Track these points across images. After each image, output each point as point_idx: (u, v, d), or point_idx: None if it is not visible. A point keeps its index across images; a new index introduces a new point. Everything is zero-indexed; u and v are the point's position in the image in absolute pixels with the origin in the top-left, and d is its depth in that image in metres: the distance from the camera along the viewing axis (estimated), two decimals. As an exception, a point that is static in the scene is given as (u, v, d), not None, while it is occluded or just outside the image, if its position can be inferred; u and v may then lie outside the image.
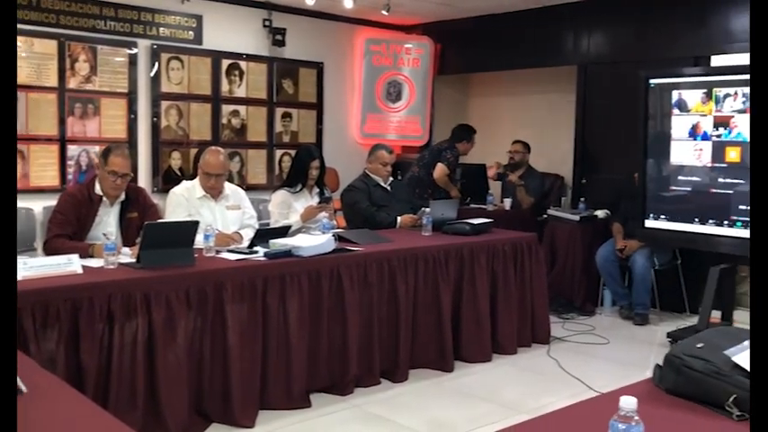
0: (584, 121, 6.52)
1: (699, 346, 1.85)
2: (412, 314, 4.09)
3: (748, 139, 4.67)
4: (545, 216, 6.16)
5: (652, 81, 5.15)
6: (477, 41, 7.24)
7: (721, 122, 4.81)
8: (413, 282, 4.08)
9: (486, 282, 4.45)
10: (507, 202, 6.36)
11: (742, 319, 5.40)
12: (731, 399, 1.67)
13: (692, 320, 5.37)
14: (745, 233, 4.69)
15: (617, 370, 4.29)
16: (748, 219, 4.69)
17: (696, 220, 4.96)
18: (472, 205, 6.34)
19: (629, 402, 1.29)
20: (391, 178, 5.14)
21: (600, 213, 6.04)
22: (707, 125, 4.88)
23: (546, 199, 6.56)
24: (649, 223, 5.23)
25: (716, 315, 5.13)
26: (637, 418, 1.29)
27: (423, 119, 7.68)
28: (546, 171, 6.75)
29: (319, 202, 4.64)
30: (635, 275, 5.52)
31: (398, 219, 4.91)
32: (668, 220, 5.13)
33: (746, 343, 1.85)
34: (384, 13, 6.46)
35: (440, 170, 6.15)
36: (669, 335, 4.94)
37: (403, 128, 7.68)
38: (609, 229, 5.84)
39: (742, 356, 1.76)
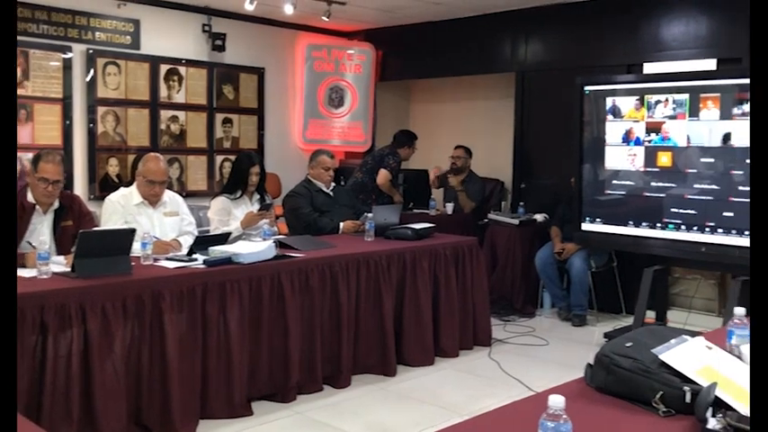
0: (522, 127, 6.65)
1: (628, 345, 1.91)
2: (354, 319, 4.11)
3: (678, 144, 4.83)
4: (486, 220, 6.26)
5: (587, 88, 5.29)
6: (418, 48, 7.31)
7: (653, 128, 4.97)
8: (355, 287, 4.09)
9: (428, 286, 4.49)
10: (449, 207, 6.44)
11: (675, 318, 5.60)
12: (658, 395, 1.73)
13: (628, 321, 5.53)
14: (677, 235, 4.85)
15: (556, 370, 4.38)
16: (680, 221, 4.85)
17: (630, 222, 5.10)
18: (415, 210, 6.40)
19: (557, 401, 1.33)
20: (333, 184, 5.15)
21: (539, 217, 6.16)
22: (639, 131, 5.04)
23: (487, 203, 6.66)
24: (586, 226, 5.36)
25: (651, 315, 5.29)
26: (565, 416, 1.32)
27: (365, 124, 7.71)
28: (487, 176, 6.85)
29: (260, 209, 4.62)
30: (573, 278, 5.66)
31: (341, 224, 4.92)
32: (604, 223, 5.27)
33: (673, 341, 1.93)
34: (325, 19, 6.47)
35: (383, 176, 6.19)
36: (606, 335, 5.08)
37: (346, 133, 7.70)
38: (547, 232, 5.96)
39: (668, 354, 1.83)
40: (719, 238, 4.65)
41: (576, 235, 5.51)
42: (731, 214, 4.61)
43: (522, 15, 6.47)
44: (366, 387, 4.04)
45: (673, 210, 4.90)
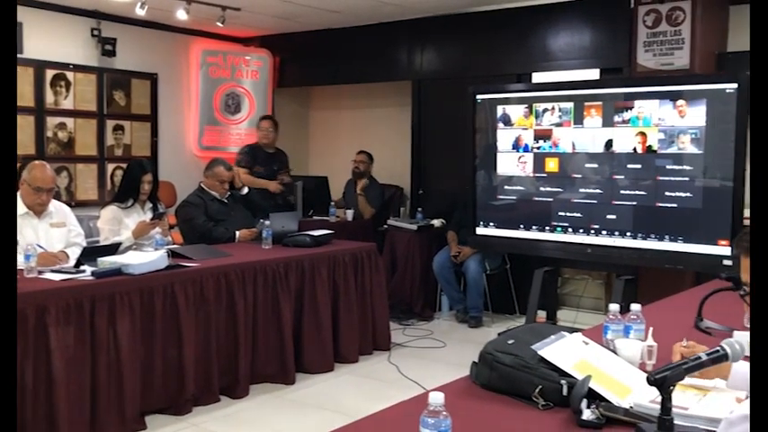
0: (419, 134, 6.78)
1: (510, 342, 2.00)
2: (252, 328, 4.07)
3: (565, 151, 5.07)
4: (385, 226, 6.34)
5: (479, 97, 5.46)
6: (316, 55, 7.33)
7: (541, 135, 5.18)
8: (252, 296, 4.05)
9: (327, 293, 4.51)
10: (349, 214, 6.48)
11: (565, 317, 5.84)
12: (537, 390, 1.82)
13: (522, 321, 5.72)
14: (565, 237, 5.07)
15: (452, 371, 4.42)
16: (567, 224, 5.08)
17: (522, 226, 5.30)
18: (315, 217, 6.40)
19: (436, 398, 1.37)
20: (230, 192, 5.07)
21: (436, 222, 6.30)
22: (528, 138, 5.24)
23: (386, 209, 6.75)
24: (480, 231, 5.52)
25: (542, 314, 5.51)
26: (445, 412, 1.37)
27: (263, 132, 7.63)
28: (386, 182, 6.94)
29: (152, 218, 4.50)
30: (469, 280, 5.81)
31: (237, 233, 4.86)
32: (497, 227, 5.45)
33: (552, 338, 2.03)
34: (219, 24, 6.39)
35: (238, 174, 5.71)
36: (500, 335, 5.24)
37: (244, 140, 7.59)
38: (445, 237, 6.10)
39: (547, 350, 1.93)
40: (603, 240, 4.90)
41: (471, 239, 5.67)
42: (614, 217, 4.87)
43: (417, 25, 6.60)
44: (264, 396, 4.01)
45: (560, 213, 5.12)
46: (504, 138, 5.36)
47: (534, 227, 5.24)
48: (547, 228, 5.18)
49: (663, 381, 1.57)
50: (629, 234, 4.80)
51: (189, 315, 3.68)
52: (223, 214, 4.93)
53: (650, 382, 1.59)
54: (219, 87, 7.45)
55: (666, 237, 4.65)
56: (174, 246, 4.39)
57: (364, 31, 6.92)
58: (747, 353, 2.16)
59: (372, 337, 4.87)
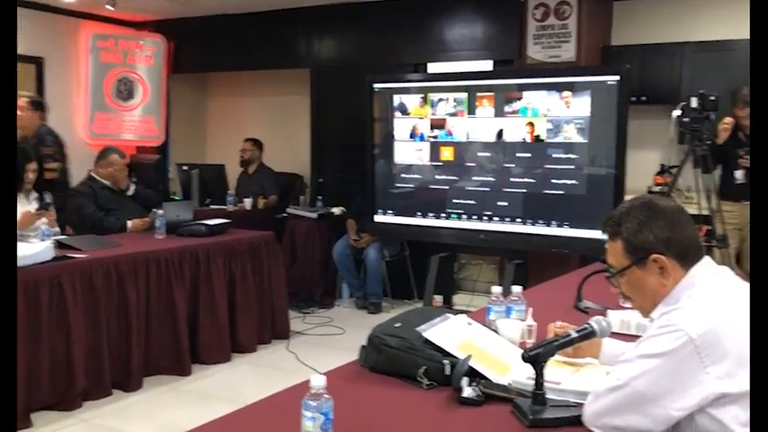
0: (318, 122, 6.78)
1: (396, 325, 2.05)
2: (145, 320, 3.98)
3: (459, 140, 5.19)
4: (285, 214, 6.31)
5: (376, 86, 5.51)
6: (213, 40, 7.18)
7: (437, 125, 5.29)
8: (144, 287, 3.96)
9: (223, 283, 4.45)
10: (248, 202, 6.40)
11: (461, 301, 6.00)
12: (422, 370, 1.88)
13: (420, 305, 5.84)
14: (460, 224, 5.21)
15: (351, 357, 4.47)
16: (462, 211, 5.21)
17: (419, 213, 5.40)
18: (212, 206, 6.29)
19: (318, 381, 1.40)
20: (128, 181, 4.93)
21: (336, 210, 6.32)
22: (424, 127, 5.34)
23: (286, 198, 6.71)
24: (379, 218, 5.59)
25: (438, 299, 5.64)
26: (327, 395, 1.40)
27: (158, 118, 7.43)
28: (286, 171, 6.90)
29: (38, 208, 4.30)
30: (368, 267, 5.88)
31: (129, 223, 4.72)
32: (395, 214, 5.52)
33: (437, 320, 2.10)
34: (109, 8, 6.15)
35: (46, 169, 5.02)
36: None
37: (137, 128, 7.38)
38: (344, 225, 6.14)
39: (432, 332, 1.99)
40: (495, 226, 5.07)
41: (370, 227, 5.73)
42: (505, 204, 5.04)
43: (315, 12, 6.58)
44: (159, 388, 3.93)
45: (455, 201, 5.25)
46: (401, 127, 5.43)
47: (431, 214, 5.35)
48: (443, 215, 5.30)
49: (536, 357, 1.67)
50: (519, 220, 4.98)
51: (77, 308, 3.56)
52: (114, 203, 4.78)
53: (524, 358, 1.68)
54: (111, 72, 7.18)
55: (553, 222, 4.85)
56: (62, 236, 4.22)
57: (262, 17, 6.83)
58: (614, 329, 2.32)
59: (271, 325, 4.85)
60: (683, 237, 1.59)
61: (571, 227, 4.78)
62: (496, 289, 2.36)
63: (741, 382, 1.44)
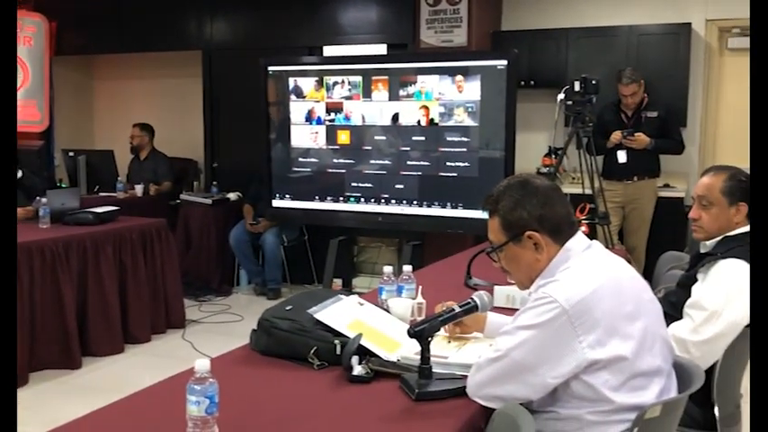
0: (212, 105, 6.64)
1: (287, 308, 2.07)
2: (29, 313, 3.81)
3: (355, 123, 5.22)
4: (178, 201, 6.17)
5: (271, 68, 5.46)
6: (98, 21, 6.88)
7: (333, 108, 5.29)
8: (28, 278, 3.79)
9: (113, 272, 4.32)
10: (139, 189, 6.21)
11: (361, 284, 6.06)
12: (312, 351, 1.90)
13: (320, 290, 5.87)
14: (358, 207, 5.25)
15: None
16: (360, 194, 5.25)
17: (317, 197, 5.40)
18: (101, 193, 6.06)
19: (202, 366, 1.40)
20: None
21: (232, 196, 6.23)
22: (320, 110, 5.34)
23: (180, 184, 6.55)
24: (276, 203, 5.55)
25: (338, 282, 5.69)
26: (212, 379, 1.40)
27: (41, 103, 7.05)
28: (179, 156, 6.73)
29: None
30: (266, 253, 5.84)
31: (10, 212, 4.49)
32: (293, 199, 5.50)
33: (329, 301, 2.12)
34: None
35: None
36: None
37: (18, 112, 6.98)
38: (241, 210, 6.06)
39: (323, 313, 2.02)
40: (393, 208, 5.14)
41: (268, 212, 5.69)
42: (402, 186, 5.12)
43: (206, -7, 6.43)
44: (45, 384, 3.79)
45: (353, 184, 5.29)
46: (298, 110, 5.41)
47: (329, 198, 5.36)
48: (341, 198, 5.33)
49: (421, 333, 1.72)
50: (415, 202, 5.07)
51: (-48, 303, 3.36)
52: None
53: (410, 334, 1.73)
54: (-14, 53, 6.76)
55: (448, 204, 4.97)
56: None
57: (150, -2, 6.61)
58: (500, 304, 2.42)
59: (165, 315, 4.75)
60: (555, 214, 1.68)
61: (465, 208, 4.91)
62: (388, 269, 2.41)
63: (610, 349, 1.54)
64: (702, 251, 2.27)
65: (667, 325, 2.08)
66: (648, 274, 4.11)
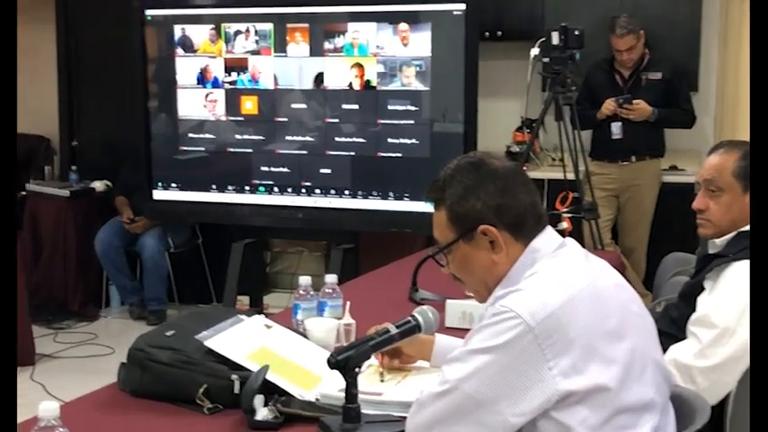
0: (70, 63, 6.53)
1: (169, 334, 2.07)
2: None
3: (265, 87, 5.21)
4: (24, 193, 6.05)
5: (149, 12, 5.39)
6: None
7: (235, 66, 5.27)
8: None
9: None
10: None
11: (276, 302, 6.05)
12: (202, 390, 1.91)
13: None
14: (270, 199, 5.24)
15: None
16: (272, 182, 5.25)
17: (214, 187, 5.37)
18: None
19: (48, 410, 1.40)
20: None
21: (98, 185, 6.15)
22: (218, 69, 5.30)
23: (26, 170, 6.43)
24: (159, 195, 5.48)
25: (245, 300, 5.68)
26: (62, 429, 1.40)
27: None
28: (24, 132, 6.59)
29: None
30: (146, 263, 5.78)
31: None
32: (181, 189, 5.45)
33: (225, 324, 2.14)
34: None
35: None
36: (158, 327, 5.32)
37: None
38: (111, 205, 5.99)
39: (216, 340, 2.03)
40: (317, 201, 5.16)
41: (147, 207, 5.63)
42: (329, 171, 5.14)
43: None
44: None
45: (263, 168, 5.28)
46: (187, 69, 5.36)
47: (231, 187, 5.34)
48: (247, 188, 5.31)
49: (346, 362, 1.75)
50: (347, 192, 5.10)
51: None
52: None
53: (331, 364, 1.76)
54: None
55: (391, 194, 5.01)
56: None
57: None
58: (453, 324, 2.47)
59: (7, 348, 4.67)
60: (517, 204, 1.73)
61: (413, 199, 4.96)
62: (305, 280, 2.44)
63: (589, 377, 1.59)
64: (711, 251, 2.36)
65: (667, 347, 2.16)
66: (651, 282, 4.25)
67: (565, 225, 4.38)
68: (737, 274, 2.18)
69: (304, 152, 5.20)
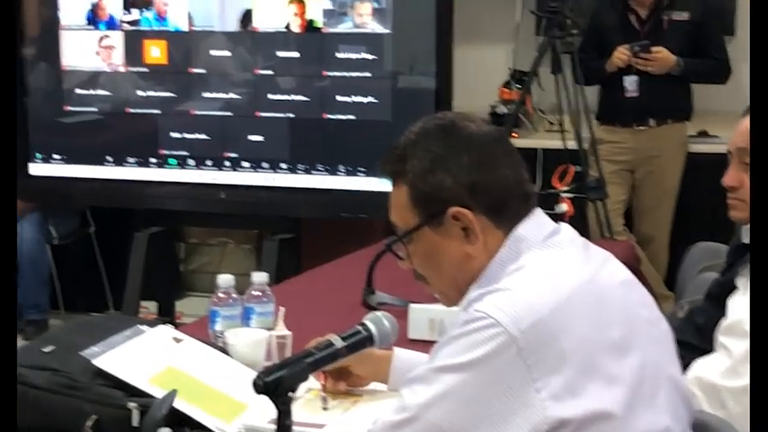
0: None
1: (47, 350, 2.06)
2: None
3: (178, 28, 5.16)
4: None
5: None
6: None
7: (137, 1, 5.21)
8: None
9: None
10: None
11: (192, 309, 6.01)
12: (90, 422, 1.90)
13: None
14: (183, 175, 5.20)
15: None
16: (186, 152, 5.20)
17: (109, 159, 5.31)
18: None
19: None
20: None
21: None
22: (114, 5, 5.24)
23: None
24: (36, 169, 5.42)
25: (151, 307, 5.65)
26: None
27: None
28: None
29: None
30: (20, 259, 5.72)
31: None
32: (66, 161, 5.39)
33: (122, 336, 2.13)
34: None
35: None
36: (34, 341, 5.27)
37: None
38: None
39: (107, 358, 2.02)
40: (245, 176, 5.13)
41: (21, 185, 5.56)
42: (260, 138, 5.11)
43: None
44: None
45: (174, 135, 5.24)
46: (73, 4, 5.30)
47: (132, 159, 5.28)
48: (153, 160, 5.26)
49: (277, 385, 1.74)
50: (284, 166, 5.07)
51: None
52: None
53: (259, 388, 1.75)
54: None
55: (341, 168, 4.99)
56: None
57: None
58: (417, 335, 2.48)
59: None
60: (498, 180, 1.73)
61: (369, 175, 4.94)
62: (224, 279, 2.43)
63: (587, 401, 1.59)
64: (745, 241, 2.38)
65: (690, 362, 2.18)
66: (674, 280, 4.29)
67: (564, 208, 4.39)
68: None
69: (227, 113, 5.18)
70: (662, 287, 4.87)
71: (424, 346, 2.24)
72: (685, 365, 2.11)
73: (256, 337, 2.28)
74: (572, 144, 4.73)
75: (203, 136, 5.21)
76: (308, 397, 2.04)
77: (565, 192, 4.46)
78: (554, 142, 5.01)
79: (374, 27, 4.92)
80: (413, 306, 2.54)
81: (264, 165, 5.11)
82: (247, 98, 5.15)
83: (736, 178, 2.39)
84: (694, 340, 2.27)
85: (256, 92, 5.13)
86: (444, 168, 1.71)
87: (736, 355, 2.17)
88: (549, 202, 4.22)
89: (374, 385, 2.13)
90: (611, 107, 5.27)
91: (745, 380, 2.15)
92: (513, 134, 5.08)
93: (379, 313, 1.92)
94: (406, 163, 1.75)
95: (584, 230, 4.54)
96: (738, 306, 2.23)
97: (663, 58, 5.05)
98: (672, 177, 5.27)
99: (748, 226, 2.39)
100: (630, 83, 5.14)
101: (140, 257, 5.35)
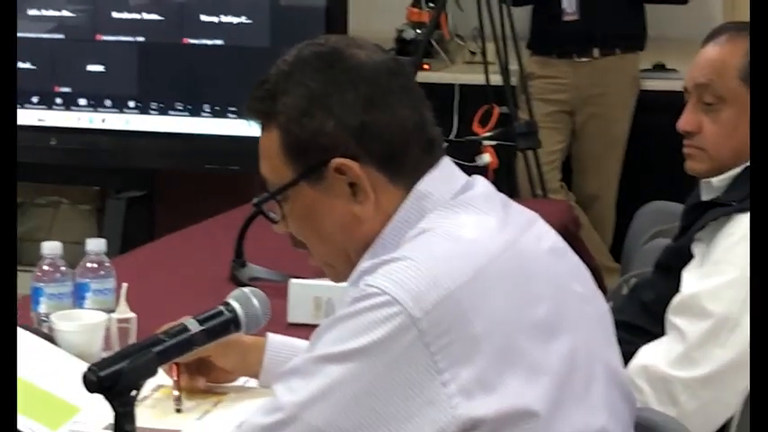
0: None
1: None
2: None
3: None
4: None
5: None
6: None
7: None
8: None
9: None
10: None
11: (20, 285, 5.95)
12: None
13: None
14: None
15: None
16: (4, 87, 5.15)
17: None
18: None
19: None
20: None
21: None
22: None
23: None
24: None
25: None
26: None
27: None
28: None
29: None
30: None
31: None
32: None
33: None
34: None
35: None
36: None
37: None
38: None
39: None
40: (83, 117, 5.07)
41: None
42: (101, 68, 5.07)
43: None
44: None
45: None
46: None
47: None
48: (-39, 97, 5.20)
49: (115, 381, 1.73)
50: (132, 104, 5.03)
51: None
52: None
53: (92, 385, 1.73)
54: None
55: (207, 109, 4.97)
56: None
57: None
58: (299, 318, 2.49)
59: None
60: (393, 122, 1.71)
61: (242, 117, 4.93)
62: (50, 247, 2.40)
63: (504, 396, 1.60)
64: (704, 198, 2.39)
65: (635, 348, 2.22)
66: (622, 247, 4.34)
67: (487, 158, 4.41)
68: (744, 233, 2.18)
69: (59, 36, 5.12)
70: (607, 257, 4.91)
71: (307, 331, 2.22)
72: (630, 353, 2.13)
73: (91, 321, 2.26)
74: (497, 79, 4.74)
75: (27, 65, 5.13)
76: (156, 396, 2.02)
77: (488, 139, 4.47)
78: (475, 76, 5.03)
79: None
80: (293, 282, 2.53)
81: (107, 103, 5.06)
82: (85, 16, 5.09)
83: (694, 121, 2.39)
84: (640, 321, 2.28)
85: (96, 8, 5.07)
86: (324, 108, 1.68)
87: (691, 338, 2.17)
88: (468, 152, 4.25)
89: (242, 381, 2.12)
90: (545, 33, 5.26)
91: (701, 369, 2.15)
92: (424, 65, 5.07)
93: (246, 290, 1.90)
94: (276, 101, 1.71)
95: (511, 187, 4.64)
96: (694, 278, 2.22)
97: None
98: (620, 121, 5.30)
99: (708, 180, 2.39)
100: (569, 3, 5.13)
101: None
